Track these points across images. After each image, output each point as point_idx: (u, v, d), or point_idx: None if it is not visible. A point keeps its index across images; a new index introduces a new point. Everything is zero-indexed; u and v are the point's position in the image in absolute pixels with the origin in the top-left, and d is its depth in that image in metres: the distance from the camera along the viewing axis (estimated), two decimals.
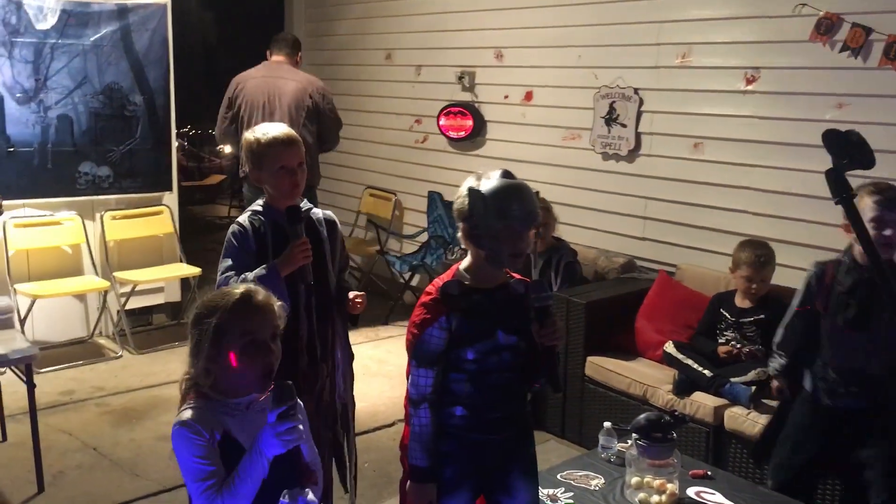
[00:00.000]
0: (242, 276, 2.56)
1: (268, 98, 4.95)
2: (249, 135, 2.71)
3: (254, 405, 1.84)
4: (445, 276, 2.27)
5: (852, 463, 2.83)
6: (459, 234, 2.25)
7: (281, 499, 1.74)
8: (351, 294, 2.82)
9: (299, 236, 2.63)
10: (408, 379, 2.26)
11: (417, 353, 2.22)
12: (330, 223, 2.84)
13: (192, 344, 1.81)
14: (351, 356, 2.96)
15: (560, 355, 2.29)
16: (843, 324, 2.78)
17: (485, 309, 2.20)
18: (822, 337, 2.85)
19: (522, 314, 2.21)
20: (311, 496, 1.77)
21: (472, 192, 2.14)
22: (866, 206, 2.65)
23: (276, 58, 5.19)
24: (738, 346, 3.67)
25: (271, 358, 1.81)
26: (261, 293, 1.84)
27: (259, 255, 2.65)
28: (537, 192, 2.22)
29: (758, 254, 3.65)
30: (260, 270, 2.56)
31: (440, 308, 2.19)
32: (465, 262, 2.27)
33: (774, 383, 3.14)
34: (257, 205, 2.74)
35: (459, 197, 2.20)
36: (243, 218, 2.70)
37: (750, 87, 4.16)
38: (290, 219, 2.65)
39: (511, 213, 2.11)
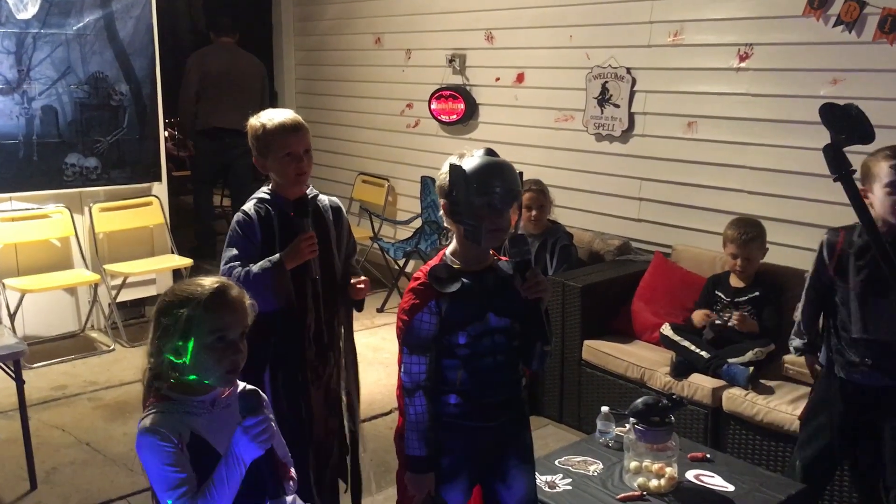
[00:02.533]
0: (247, 268, 2.52)
1: (231, 76, 5.07)
2: (255, 121, 2.66)
3: (218, 402, 1.80)
4: (433, 261, 2.23)
5: (869, 442, 2.74)
6: (441, 212, 2.21)
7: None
8: (353, 279, 2.78)
9: (306, 230, 2.58)
10: (400, 368, 2.22)
11: (409, 339, 2.18)
12: (336, 210, 2.81)
13: (156, 334, 1.74)
14: (353, 345, 2.93)
15: (549, 315, 2.25)
16: (855, 290, 2.64)
17: (474, 291, 2.17)
18: (837, 307, 2.73)
19: (513, 296, 2.18)
20: (299, 502, 1.76)
21: (454, 169, 2.11)
22: (881, 171, 2.53)
23: (225, 39, 5.41)
24: (713, 314, 3.64)
25: (238, 357, 1.76)
26: (235, 289, 1.79)
27: (265, 244, 2.60)
28: (521, 173, 2.18)
29: (741, 231, 3.63)
30: (265, 263, 2.52)
31: (429, 292, 2.15)
32: (452, 247, 2.24)
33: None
34: (263, 192, 2.69)
35: (441, 174, 2.17)
36: (249, 206, 2.65)
37: (743, 65, 4.11)
38: (299, 212, 2.61)
39: (492, 189, 2.09)
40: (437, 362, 2.20)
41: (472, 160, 2.13)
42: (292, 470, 1.90)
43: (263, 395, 1.83)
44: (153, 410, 1.73)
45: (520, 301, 2.17)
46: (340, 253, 2.78)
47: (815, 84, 3.82)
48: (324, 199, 2.78)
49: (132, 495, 3.46)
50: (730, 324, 3.61)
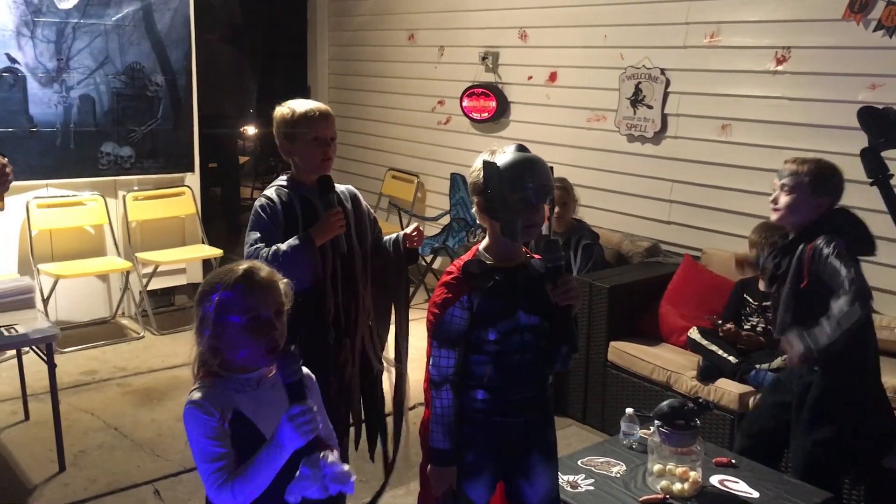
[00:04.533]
0: (275, 246, 2.53)
1: None
2: (282, 108, 2.69)
3: (264, 381, 1.83)
4: (466, 256, 2.23)
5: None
6: (474, 209, 2.22)
7: (301, 467, 1.71)
8: (408, 229, 2.81)
9: (333, 205, 2.61)
10: (428, 361, 2.23)
11: (439, 333, 2.18)
12: (353, 197, 2.82)
13: (196, 322, 1.80)
14: (387, 328, 2.93)
15: (577, 319, 2.25)
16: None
17: (506, 288, 2.17)
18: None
19: (544, 294, 2.17)
20: (331, 457, 1.75)
21: (487, 165, 2.11)
22: None
23: None
24: (729, 327, 3.64)
25: (275, 335, 1.78)
26: (264, 270, 1.82)
27: (288, 229, 2.62)
28: (552, 167, 2.17)
29: (765, 236, 3.59)
30: (293, 240, 2.53)
31: (461, 287, 2.16)
32: (484, 243, 2.24)
33: None
34: (281, 180, 2.72)
35: (474, 171, 2.17)
36: (270, 192, 2.68)
37: (780, 68, 4.06)
38: (323, 188, 2.63)
39: (525, 185, 2.09)
40: (466, 357, 2.20)
41: (504, 156, 2.13)
42: (336, 449, 1.91)
43: (313, 379, 1.85)
44: (201, 384, 1.79)
45: (550, 300, 2.17)
46: (361, 238, 2.79)
47: (852, 89, 3.77)
48: (339, 187, 2.79)
49: (158, 480, 3.51)
50: (741, 340, 3.62)
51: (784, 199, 2.77)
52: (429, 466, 2.27)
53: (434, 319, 2.19)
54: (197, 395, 1.76)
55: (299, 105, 2.66)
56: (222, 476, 1.69)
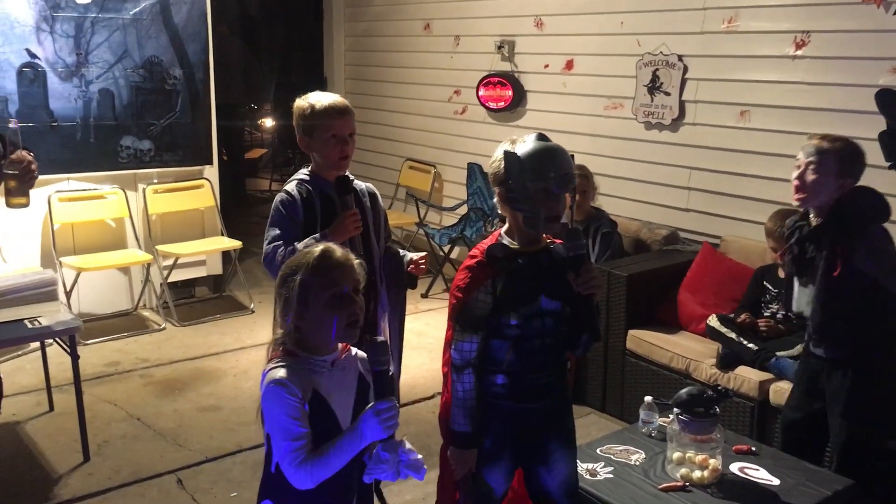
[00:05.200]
0: (292, 246, 2.55)
1: None
2: (302, 101, 2.69)
3: (338, 363, 1.90)
4: (488, 240, 2.23)
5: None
6: (496, 199, 2.21)
7: (381, 451, 1.76)
8: (415, 255, 2.84)
9: (350, 206, 2.62)
10: (449, 346, 2.23)
11: (462, 317, 2.18)
12: (372, 195, 2.83)
13: (280, 305, 1.87)
14: (402, 327, 2.95)
15: (600, 308, 2.26)
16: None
17: (529, 272, 2.17)
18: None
19: (565, 280, 2.18)
20: (408, 445, 1.80)
21: (508, 155, 2.11)
22: None
23: None
24: (744, 318, 3.63)
25: (355, 308, 1.86)
26: (339, 250, 1.90)
27: (307, 225, 2.63)
28: (572, 156, 2.17)
29: (780, 224, 3.55)
30: (310, 240, 2.55)
31: (485, 271, 2.16)
32: (507, 226, 2.24)
33: None
34: (303, 174, 2.73)
35: (494, 161, 2.17)
36: (290, 186, 2.69)
37: (799, 52, 4.02)
38: (341, 189, 2.64)
39: (547, 174, 2.08)
40: (486, 342, 2.20)
41: (525, 146, 2.12)
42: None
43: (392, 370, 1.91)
44: (281, 363, 1.84)
45: (572, 286, 2.17)
46: (378, 236, 2.81)
47: (873, 73, 3.72)
48: (360, 184, 2.80)
49: (180, 470, 3.55)
50: (762, 330, 3.60)
51: (811, 177, 2.68)
52: (449, 449, 2.28)
53: (457, 303, 2.19)
54: (280, 373, 1.81)
55: (318, 100, 2.66)
56: (301, 455, 1.75)
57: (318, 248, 1.89)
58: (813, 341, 2.84)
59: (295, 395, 1.78)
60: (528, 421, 2.27)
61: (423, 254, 2.86)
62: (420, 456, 1.80)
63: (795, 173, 2.73)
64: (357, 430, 1.75)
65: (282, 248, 2.56)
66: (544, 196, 2.09)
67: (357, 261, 1.91)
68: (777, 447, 3.04)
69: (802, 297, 2.82)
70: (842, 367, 2.76)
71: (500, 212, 2.23)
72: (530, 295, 2.17)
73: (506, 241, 2.21)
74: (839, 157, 2.63)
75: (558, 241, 2.26)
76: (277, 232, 2.61)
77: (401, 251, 2.91)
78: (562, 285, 2.18)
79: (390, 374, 1.79)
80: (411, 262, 2.83)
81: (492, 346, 2.21)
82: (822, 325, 2.75)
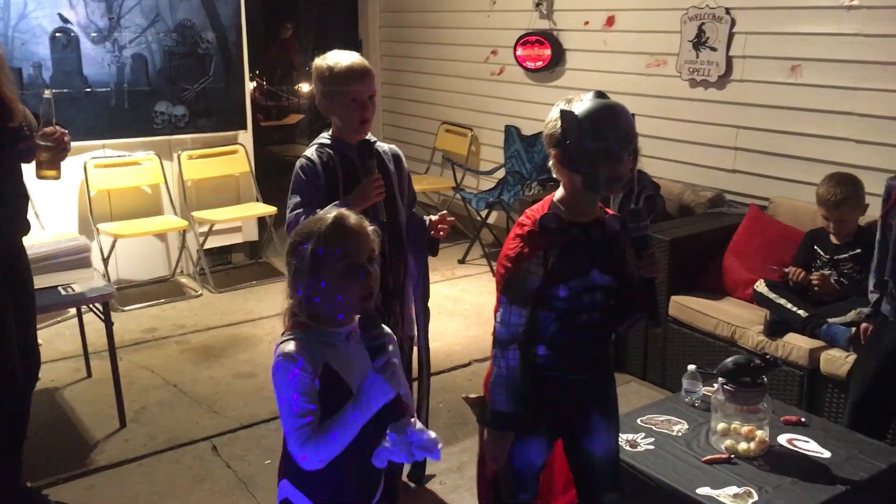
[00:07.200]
0: (313, 213, 2.47)
1: None
2: (321, 62, 2.59)
3: (353, 336, 1.80)
4: (539, 208, 2.11)
5: None
6: (551, 163, 2.08)
7: (388, 432, 1.69)
8: (435, 217, 2.73)
9: (372, 172, 2.54)
10: (495, 317, 2.12)
11: (511, 289, 2.06)
12: (396, 157, 2.75)
13: (290, 274, 1.79)
14: (427, 293, 2.88)
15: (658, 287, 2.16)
16: None
17: (581, 245, 2.05)
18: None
19: (618, 254, 2.07)
20: (419, 425, 1.73)
21: (565, 114, 1.99)
22: None
23: None
24: (797, 271, 3.49)
25: (370, 280, 1.76)
26: (353, 217, 1.80)
27: (329, 191, 2.56)
28: (633, 115, 2.06)
29: (832, 192, 3.36)
30: (331, 207, 2.47)
31: (538, 241, 2.04)
32: (559, 194, 2.10)
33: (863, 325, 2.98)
34: (324, 138, 2.65)
35: (550, 122, 2.04)
36: (311, 152, 2.61)
37: (855, 2, 3.79)
38: (363, 154, 2.55)
39: (607, 133, 1.96)
40: (532, 313, 2.09)
41: (582, 104, 2.00)
42: (412, 408, 1.89)
43: (395, 339, 1.82)
44: (293, 336, 1.76)
45: (623, 260, 2.08)
46: (404, 199, 2.73)
47: None
48: (383, 145, 2.72)
49: (216, 437, 3.54)
50: (814, 283, 3.44)
51: None
52: (485, 431, 2.18)
53: (507, 274, 2.06)
54: (290, 346, 1.73)
55: (337, 61, 2.56)
56: (306, 433, 1.67)
57: (331, 214, 1.79)
58: None
59: (306, 370, 1.70)
60: (568, 391, 2.17)
61: (442, 213, 2.75)
62: (434, 434, 1.71)
63: None
64: (362, 397, 1.66)
65: (304, 215, 2.49)
66: (605, 156, 1.97)
67: (371, 227, 1.81)
68: (833, 420, 2.92)
69: None
70: None
71: (556, 175, 2.10)
72: (581, 269, 2.06)
73: (558, 210, 2.09)
74: None
75: (609, 210, 2.15)
76: (298, 199, 2.54)
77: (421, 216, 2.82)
78: (613, 259, 2.08)
79: (385, 346, 1.69)
80: (432, 224, 2.73)
81: (538, 317, 2.09)
82: None
